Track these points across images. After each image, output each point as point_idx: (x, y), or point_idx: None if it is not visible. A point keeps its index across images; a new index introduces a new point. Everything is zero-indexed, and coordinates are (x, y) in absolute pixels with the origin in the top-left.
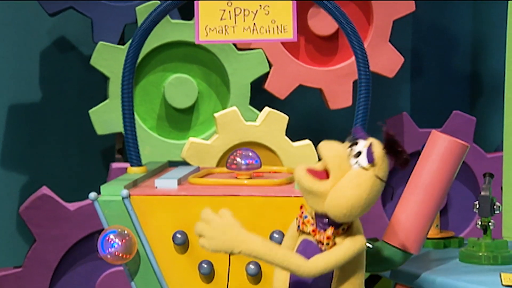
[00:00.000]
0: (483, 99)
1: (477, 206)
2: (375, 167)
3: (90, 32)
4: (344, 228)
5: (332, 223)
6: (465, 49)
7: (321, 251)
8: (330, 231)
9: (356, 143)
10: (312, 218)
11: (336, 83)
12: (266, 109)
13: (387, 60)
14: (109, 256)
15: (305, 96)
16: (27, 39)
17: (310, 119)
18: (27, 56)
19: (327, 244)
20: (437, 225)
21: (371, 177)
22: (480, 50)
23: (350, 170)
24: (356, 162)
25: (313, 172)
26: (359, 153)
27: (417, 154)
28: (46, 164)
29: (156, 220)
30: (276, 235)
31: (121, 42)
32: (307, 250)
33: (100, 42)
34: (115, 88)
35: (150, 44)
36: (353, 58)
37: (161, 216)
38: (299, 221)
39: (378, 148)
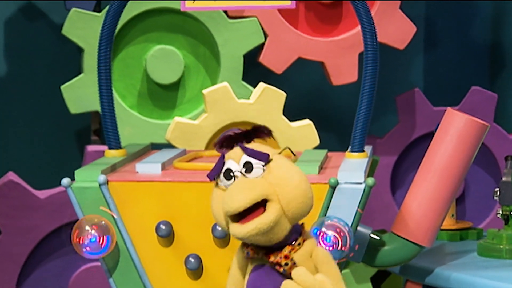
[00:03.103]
0: (505, 74)
1: (498, 193)
2: (273, 155)
3: None
4: (299, 243)
5: (284, 242)
6: (485, 17)
7: (279, 273)
8: (286, 249)
9: (227, 165)
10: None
11: (340, 55)
12: (261, 85)
13: (397, 30)
14: (84, 250)
15: (305, 70)
16: None
17: (311, 96)
18: None
19: (286, 264)
20: (452, 215)
21: (280, 158)
22: (502, 18)
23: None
24: (261, 171)
25: (250, 217)
26: (248, 164)
27: (430, 135)
28: (12, 147)
29: (137, 209)
30: None
31: (97, 9)
32: (261, 274)
33: (73, 9)
34: (90, 61)
35: (130, 11)
36: (359, 27)
37: (142, 205)
38: (247, 247)
39: (251, 145)
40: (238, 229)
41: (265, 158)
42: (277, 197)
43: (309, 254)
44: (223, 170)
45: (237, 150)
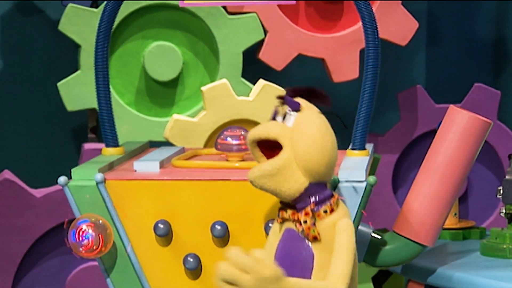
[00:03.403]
0: (508, 70)
1: (501, 191)
2: (306, 108)
3: None
4: (326, 210)
5: (308, 202)
6: (488, 13)
7: (304, 241)
8: (309, 207)
9: (276, 112)
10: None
11: (341, 52)
12: (261, 82)
13: (399, 26)
14: (81, 249)
15: (305, 67)
16: None
17: None
18: None
19: (305, 222)
20: (455, 214)
21: (312, 113)
22: (506, 13)
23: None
24: (292, 118)
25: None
26: (285, 114)
27: (432, 133)
28: (8, 145)
29: (135, 208)
30: (271, 225)
31: (94, 4)
32: (288, 239)
33: (70, 5)
34: (87, 57)
35: (128, 7)
36: (360, 23)
37: (140, 204)
38: (279, 209)
39: (292, 92)
40: (253, 170)
41: (294, 107)
42: (290, 144)
43: (334, 226)
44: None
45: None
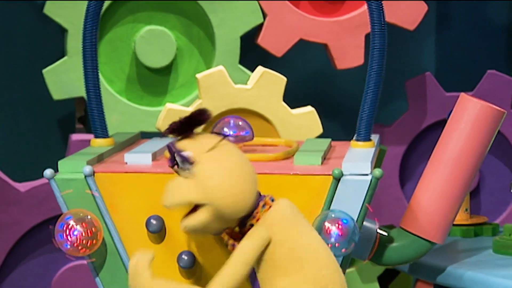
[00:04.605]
0: None
1: None
2: (199, 157)
3: None
4: (252, 224)
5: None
6: None
7: None
8: (237, 228)
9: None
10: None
11: (345, 37)
12: (260, 69)
13: (407, 9)
14: (68, 247)
15: (307, 53)
16: None
17: (313, 81)
18: None
19: (231, 243)
20: (466, 209)
21: (209, 157)
22: None
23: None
24: (186, 169)
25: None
26: (177, 163)
27: (442, 123)
28: None
29: (126, 203)
30: None
31: None
32: None
33: None
34: (74, 42)
35: None
36: (365, 6)
37: (132, 198)
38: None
39: (176, 145)
40: (182, 222)
41: (188, 162)
42: (209, 201)
43: None
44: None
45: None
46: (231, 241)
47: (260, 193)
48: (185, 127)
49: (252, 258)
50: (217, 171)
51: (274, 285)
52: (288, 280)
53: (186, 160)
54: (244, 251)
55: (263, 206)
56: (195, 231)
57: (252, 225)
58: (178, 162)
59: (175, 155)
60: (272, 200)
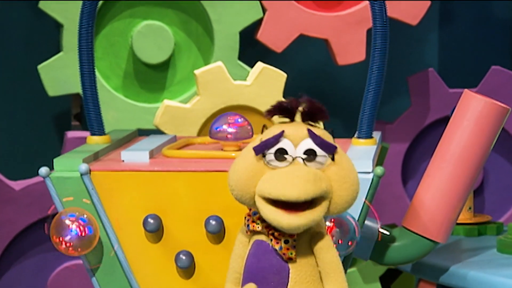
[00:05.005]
0: None
1: None
2: (338, 149)
3: None
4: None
5: None
6: None
7: (278, 257)
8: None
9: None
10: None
11: (346, 32)
12: (259, 64)
13: (409, 4)
14: (64, 246)
15: (307, 48)
16: None
17: (314, 77)
18: None
19: (286, 242)
20: (469, 208)
21: (342, 151)
22: None
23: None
24: (323, 162)
25: (299, 209)
26: (312, 152)
27: (445, 120)
28: None
29: (122, 202)
30: None
31: None
32: (259, 252)
33: None
34: (70, 38)
35: None
36: (367, 1)
37: (128, 197)
38: (247, 220)
39: (315, 130)
40: (288, 219)
41: (332, 151)
42: (331, 194)
43: (310, 239)
44: (276, 148)
45: (300, 132)
46: (289, 242)
47: None
48: (314, 117)
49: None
50: (350, 165)
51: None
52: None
53: (332, 149)
54: (342, 267)
55: None
56: (300, 229)
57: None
58: (318, 150)
59: (319, 143)
60: None
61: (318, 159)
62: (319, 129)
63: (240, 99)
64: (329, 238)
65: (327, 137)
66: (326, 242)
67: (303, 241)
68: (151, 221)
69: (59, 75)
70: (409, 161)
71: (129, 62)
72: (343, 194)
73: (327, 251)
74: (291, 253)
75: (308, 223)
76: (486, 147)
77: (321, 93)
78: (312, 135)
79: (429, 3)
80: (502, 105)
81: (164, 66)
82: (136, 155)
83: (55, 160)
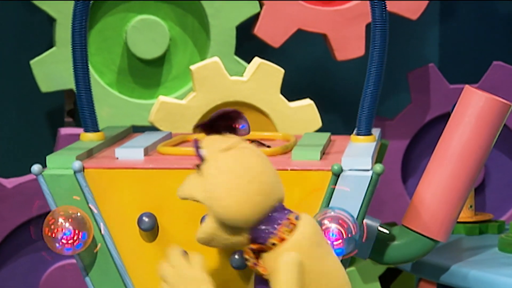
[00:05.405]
0: None
1: None
2: (210, 156)
3: None
4: (274, 243)
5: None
6: None
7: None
8: (253, 244)
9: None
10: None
11: (345, 27)
12: (256, 60)
13: None
14: (57, 245)
15: (305, 43)
16: None
17: (312, 72)
18: None
19: (247, 260)
20: (470, 206)
21: (218, 158)
22: None
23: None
24: (198, 166)
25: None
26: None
27: (446, 117)
28: None
29: (117, 200)
30: None
31: None
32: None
33: None
34: (63, 32)
35: None
36: None
37: (123, 195)
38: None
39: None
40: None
41: (199, 158)
42: (209, 202)
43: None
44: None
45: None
46: (252, 260)
47: (283, 208)
48: (212, 128)
49: None
50: (224, 172)
51: None
52: None
53: (200, 157)
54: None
55: (288, 225)
56: (208, 243)
57: (274, 244)
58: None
59: (195, 149)
60: (297, 218)
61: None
62: (210, 138)
63: (237, 95)
64: (290, 256)
65: (211, 142)
66: (283, 259)
67: (274, 258)
68: (146, 219)
69: (52, 70)
70: (409, 159)
71: (123, 58)
72: (218, 211)
73: (279, 268)
74: (257, 270)
75: (199, 236)
76: (488, 144)
77: (320, 89)
78: (193, 147)
79: None
80: (504, 101)
81: (159, 62)
82: (130, 152)
83: (48, 158)
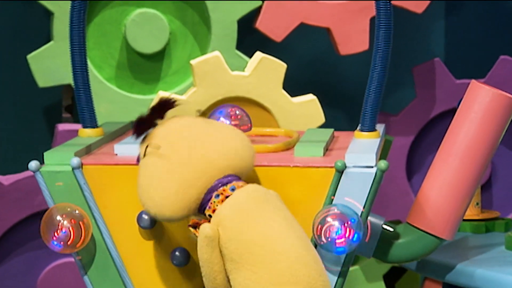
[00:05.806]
0: None
1: None
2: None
3: None
4: (210, 214)
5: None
6: None
7: None
8: (192, 219)
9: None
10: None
11: (348, 21)
12: (258, 54)
13: None
14: (55, 243)
15: (308, 38)
16: None
17: (315, 67)
18: None
19: (192, 232)
20: (477, 203)
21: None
22: None
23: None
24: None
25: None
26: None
27: (452, 112)
28: None
29: (116, 197)
30: None
31: None
32: None
33: None
34: (61, 26)
35: None
36: None
37: (122, 192)
38: None
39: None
40: None
41: (138, 158)
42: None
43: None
44: None
45: None
46: (192, 231)
47: (230, 180)
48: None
49: (210, 267)
50: (143, 172)
51: (231, 280)
52: (241, 276)
53: (138, 156)
54: (202, 263)
55: (216, 196)
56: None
57: (210, 216)
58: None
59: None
60: (232, 189)
61: None
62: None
63: (238, 90)
64: (206, 228)
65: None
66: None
67: None
68: (145, 217)
69: (49, 65)
70: (414, 155)
71: (122, 52)
72: (143, 202)
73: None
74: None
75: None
76: (494, 140)
77: (323, 84)
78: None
79: None
80: (511, 96)
81: (159, 56)
82: (130, 148)
83: (45, 154)
